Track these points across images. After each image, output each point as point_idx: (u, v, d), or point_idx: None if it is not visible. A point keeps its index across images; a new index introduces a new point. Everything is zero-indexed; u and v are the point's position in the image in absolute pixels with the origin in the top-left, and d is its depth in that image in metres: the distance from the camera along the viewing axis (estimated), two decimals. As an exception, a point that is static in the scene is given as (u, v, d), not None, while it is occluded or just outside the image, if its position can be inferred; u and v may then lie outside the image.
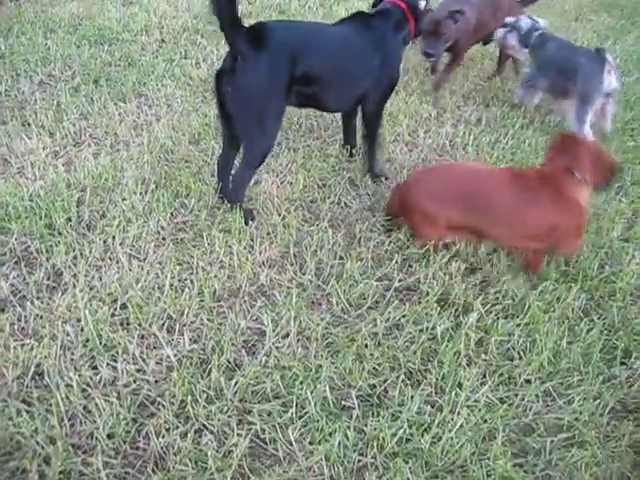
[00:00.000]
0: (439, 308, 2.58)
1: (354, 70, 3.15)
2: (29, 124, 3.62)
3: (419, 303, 2.61)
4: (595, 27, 6.72)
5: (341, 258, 2.80)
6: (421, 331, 2.46)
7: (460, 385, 2.25)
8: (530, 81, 4.33)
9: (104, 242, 2.76)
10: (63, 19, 5.09)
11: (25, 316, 2.38)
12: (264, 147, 2.92)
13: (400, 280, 2.72)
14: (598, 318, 2.68)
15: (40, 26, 4.92)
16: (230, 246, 2.78)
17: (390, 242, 2.92)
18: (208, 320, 2.43)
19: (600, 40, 6.24)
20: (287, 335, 2.39)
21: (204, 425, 2.05)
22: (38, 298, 2.46)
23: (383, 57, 3.16)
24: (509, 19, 4.40)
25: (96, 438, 1.97)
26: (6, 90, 3.98)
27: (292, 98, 2.97)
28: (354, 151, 3.58)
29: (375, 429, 2.06)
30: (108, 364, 2.21)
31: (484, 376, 2.33)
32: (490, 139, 3.92)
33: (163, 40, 4.89)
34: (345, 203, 3.19)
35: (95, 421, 2.00)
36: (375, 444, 2.03)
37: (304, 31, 3.08)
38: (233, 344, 2.34)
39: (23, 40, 4.64)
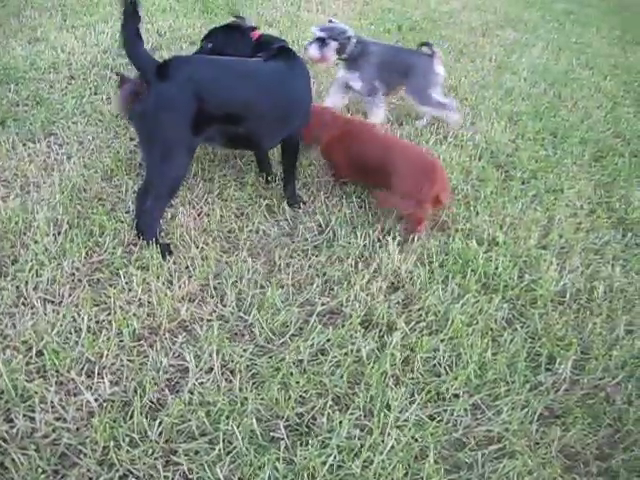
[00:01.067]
0: (363, 329, 2.59)
1: (286, 106, 3.17)
2: None
3: (343, 326, 2.59)
4: (502, 42, 6.95)
5: (262, 287, 2.78)
6: (346, 354, 2.45)
7: (389, 406, 2.25)
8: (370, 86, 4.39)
9: (17, 288, 2.66)
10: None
11: None
12: (170, 179, 2.89)
13: (322, 304, 2.71)
14: (521, 327, 2.73)
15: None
16: (148, 283, 2.71)
17: (310, 266, 2.92)
18: (129, 361, 2.36)
19: (507, 54, 6.44)
20: (210, 369, 2.35)
21: (129, 471, 1.98)
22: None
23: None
24: (318, 29, 4.30)
25: (14, 495, 1.89)
26: None
27: (212, 136, 2.98)
28: (270, 178, 3.57)
29: (305, 458, 2.04)
30: (25, 415, 2.12)
31: (412, 394, 2.33)
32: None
33: (72, 77, 4.79)
34: (264, 231, 3.17)
35: (12, 478, 1.92)
36: (306, 474, 2.00)
37: (218, 66, 3.00)
38: (156, 383, 2.28)
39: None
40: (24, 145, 3.76)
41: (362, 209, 3.38)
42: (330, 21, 4.39)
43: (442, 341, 2.56)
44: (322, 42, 4.23)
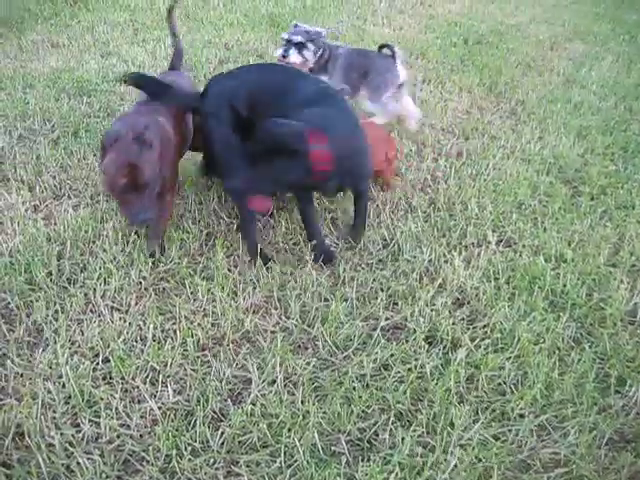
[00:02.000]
0: (427, 345, 2.55)
1: None
2: (8, 179, 3.59)
3: (407, 341, 2.56)
4: (570, 55, 6.82)
5: (326, 300, 2.77)
6: (410, 370, 2.42)
7: (452, 424, 2.20)
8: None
9: (85, 295, 2.73)
10: (42, 73, 5.11)
11: (5, 375, 2.34)
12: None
13: (386, 319, 2.69)
14: (589, 346, 2.64)
15: (19, 81, 4.92)
16: (213, 293, 2.74)
17: (374, 280, 2.90)
18: (192, 370, 2.39)
19: (576, 67, 6.32)
20: (273, 381, 2.34)
21: (190, 479, 2.00)
22: (18, 355, 2.42)
23: None
24: (292, 33, 4.31)
25: (79, 499, 1.91)
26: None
27: None
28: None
29: (366, 474, 2.01)
30: (91, 420, 2.16)
31: (476, 413, 2.28)
32: (471, 171, 3.92)
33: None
34: (328, 243, 3.17)
35: (78, 482, 1.95)
36: (366, 490, 1.98)
37: None
38: (218, 394, 2.29)
39: (2, 96, 4.64)
40: (95, 156, 3.85)
41: (427, 223, 3.35)
42: (296, 25, 4.39)
43: (508, 359, 2.50)
44: (301, 46, 4.26)
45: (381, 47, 4.45)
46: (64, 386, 2.28)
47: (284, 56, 4.28)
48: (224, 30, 6.63)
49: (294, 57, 4.26)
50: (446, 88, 5.40)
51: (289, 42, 4.29)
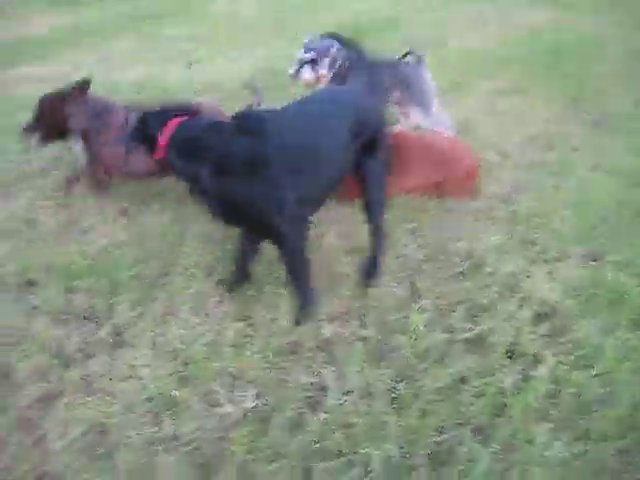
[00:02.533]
0: (507, 359, 2.49)
1: None
2: (97, 184, 3.72)
3: (486, 355, 2.52)
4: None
5: (404, 311, 2.75)
6: (488, 384, 2.37)
7: (531, 441, 2.14)
8: None
9: (167, 298, 2.79)
10: (128, 81, 5.26)
11: (90, 373, 2.42)
12: None
13: (466, 331, 2.65)
14: (679, 368, 2.54)
15: (107, 89, 5.08)
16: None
17: (455, 292, 2.86)
18: (270, 376, 2.41)
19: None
20: (350, 391, 2.34)
21: (266, 485, 2.01)
22: (103, 355, 2.50)
23: None
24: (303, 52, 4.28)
25: (159, 496, 1.95)
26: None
27: None
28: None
29: (443, 489, 1.99)
30: (170, 421, 2.21)
31: (557, 431, 2.22)
32: (556, 184, 3.84)
33: (224, 97, 4.98)
34: (407, 255, 3.15)
35: (158, 478, 2.00)
36: (443, 505, 1.95)
37: None
38: (296, 400, 2.30)
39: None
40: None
41: (509, 235, 3.29)
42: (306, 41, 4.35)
43: (592, 377, 2.43)
44: (313, 63, 4.24)
45: (405, 54, 4.38)
46: (145, 386, 2.33)
47: (297, 73, 4.32)
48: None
49: (307, 74, 4.29)
50: (530, 98, 5.31)
51: (301, 61, 4.30)
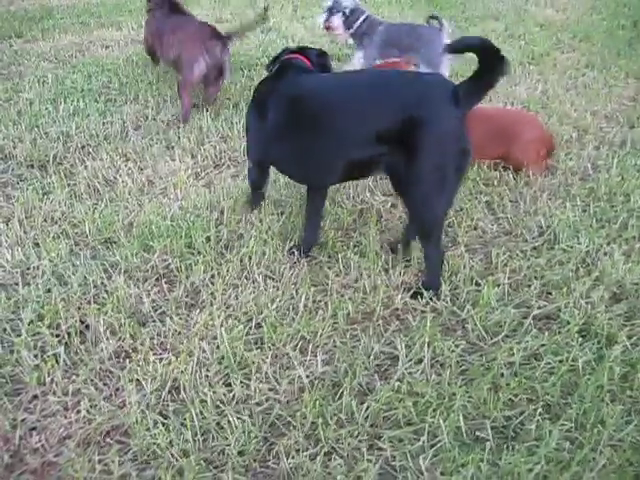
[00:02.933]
0: (580, 339, 2.45)
1: None
2: (173, 147, 3.79)
3: (559, 333, 2.49)
4: None
5: (477, 284, 2.73)
6: (561, 362, 2.34)
7: (603, 422, 2.11)
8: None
9: (241, 262, 2.84)
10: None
11: (164, 331, 2.48)
12: None
13: (539, 308, 2.61)
14: None
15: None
16: (365, 269, 2.77)
17: (529, 267, 2.82)
18: (341, 343, 2.43)
19: None
20: (420, 361, 2.34)
21: (334, 448, 2.03)
22: (177, 314, 2.56)
23: None
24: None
25: (227, 454, 2.00)
26: (152, 115, 4.17)
27: None
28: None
29: (510, 463, 1.97)
30: (242, 382, 2.25)
31: (629, 414, 2.17)
32: (636, 162, 3.73)
33: (301, 65, 4.98)
34: (482, 228, 3.12)
35: (227, 438, 2.04)
36: (510, 479, 1.95)
37: None
38: (366, 368, 2.32)
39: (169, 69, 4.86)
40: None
41: (586, 213, 3.22)
42: None
43: (667, 360, 2.38)
44: (330, 12, 4.60)
45: (430, 18, 4.58)
46: (218, 347, 2.39)
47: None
48: (382, 7, 6.62)
49: (319, 20, 4.77)
50: (611, 73, 5.17)
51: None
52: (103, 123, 4.11)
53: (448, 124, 2.41)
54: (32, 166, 3.62)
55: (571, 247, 2.96)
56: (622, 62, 5.41)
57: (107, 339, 2.43)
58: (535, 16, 6.58)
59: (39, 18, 6.46)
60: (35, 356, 2.35)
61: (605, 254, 2.93)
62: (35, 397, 2.21)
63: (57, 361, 2.33)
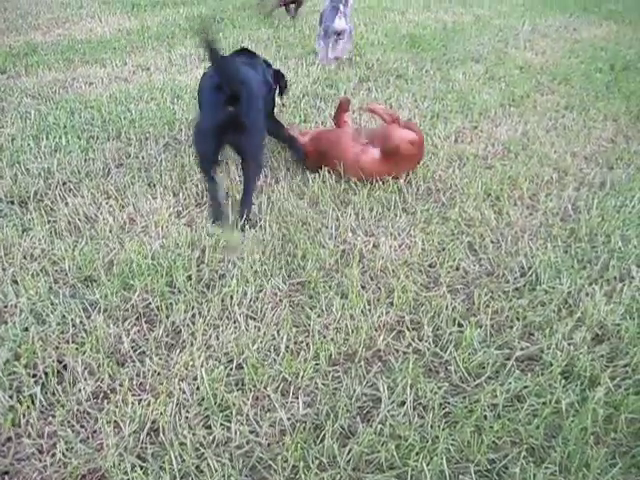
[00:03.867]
0: (563, 380, 2.44)
1: None
2: (154, 185, 3.77)
3: (542, 374, 2.48)
4: None
5: (460, 325, 2.72)
6: (544, 404, 2.33)
7: (587, 465, 2.09)
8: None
9: (222, 301, 2.81)
10: (189, 85, 5.34)
11: (144, 372, 2.44)
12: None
13: (521, 349, 2.60)
14: None
15: (168, 92, 5.17)
16: (347, 309, 2.75)
17: (511, 308, 2.82)
18: (323, 384, 2.40)
19: None
20: (403, 403, 2.32)
21: (316, 493, 2.00)
22: (157, 355, 2.52)
23: None
24: None
25: (208, 500, 1.95)
26: (134, 153, 4.17)
27: None
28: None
29: (495, 508, 1.96)
30: (222, 424, 2.21)
31: (614, 457, 2.15)
32: (615, 203, 3.76)
33: (284, 104, 5.01)
34: (464, 268, 3.11)
35: (207, 483, 1.99)
36: (495, 524, 1.92)
37: None
38: (348, 410, 2.29)
39: (152, 106, 4.88)
40: (236, 167, 3.96)
41: (567, 254, 3.23)
42: None
43: (650, 403, 2.38)
44: None
45: None
46: (198, 388, 2.35)
47: None
48: (365, 49, 6.70)
49: None
50: (590, 115, 5.23)
51: None
52: (85, 160, 4.09)
53: None
54: (12, 202, 3.58)
55: (553, 288, 2.96)
56: (600, 104, 5.49)
57: (85, 379, 2.38)
58: (515, 59, 6.67)
59: (23, 54, 6.47)
60: (10, 397, 2.30)
61: (587, 295, 2.93)
62: (9, 439, 2.16)
63: (33, 402, 2.28)
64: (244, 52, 4.04)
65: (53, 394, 2.33)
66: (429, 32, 7.54)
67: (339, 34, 5.97)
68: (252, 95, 3.27)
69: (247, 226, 3.33)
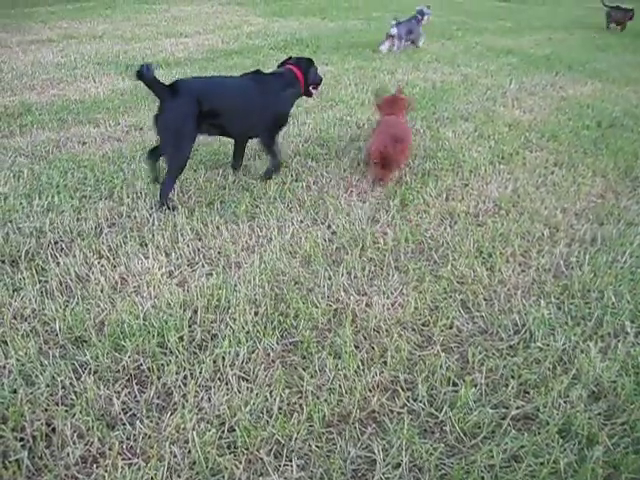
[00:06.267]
0: (561, 439, 2.41)
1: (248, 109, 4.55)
2: (146, 244, 3.76)
3: (539, 433, 2.44)
4: None
5: (454, 384, 2.69)
6: (542, 464, 2.29)
7: (589, 526, 2.06)
8: None
9: (214, 362, 2.77)
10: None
11: (134, 435, 2.39)
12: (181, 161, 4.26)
13: (517, 408, 2.57)
14: None
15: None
16: (340, 369, 2.73)
17: (505, 366, 2.80)
18: (317, 447, 2.36)
19: None
20: (398, 465, 2.28)
21: None
22: (148, 417, 2.48)
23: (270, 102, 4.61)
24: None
25: None
26: (127, 212, 4.17)
27: (203, 129, 4.37)
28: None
29: None
30: (215, 489, 2.17)
31: (615, 517, 2.13)
32: (607, 259, 3.78)
33: (276, 164, 5.05)
34: (457, 327, 3.10)
35: None
36: None
37: (209, 83, 4.59)
38: (342, 473, 2.25)
39: (145, 165, 4.89)
40: (228, 226, 3.97)
41: (561, 310, 3.23)
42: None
43: (649, 462, 2.34)
44: None
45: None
46: (190, 452, 2.30)
47: None
48: (355, 109, 6.78)
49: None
50: (579, 171, 5.28)
51: None
52: (77, 219, 4.08)
53: None
54: (3, 262, 3.56)
55: (547, 345, 2.95)
56: (589, 160, 5.54)
57: (74, 443, 2.34)
58: (503, 117, 6.76)
59: (18, 114, 6.51)
60: (-4, 462, 2.25)
61: (582, 352, 2.91)
62: (-5, 507, 2.12)
63: (20, 467, 2.23)
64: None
65: (40, 458, 2.28)
66: (418, 91, 7.64)
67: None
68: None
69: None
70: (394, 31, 10.29)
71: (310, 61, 4.98)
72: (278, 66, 4.99)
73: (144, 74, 3.89)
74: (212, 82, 4.64)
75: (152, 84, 4.04)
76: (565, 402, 2.60)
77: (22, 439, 2.35)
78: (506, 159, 5.49)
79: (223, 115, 4.38)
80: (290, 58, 5.04)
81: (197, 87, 4.31)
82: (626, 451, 2.37)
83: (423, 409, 2.56)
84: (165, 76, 7.99)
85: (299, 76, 4.84)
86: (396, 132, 4.74)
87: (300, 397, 2.60)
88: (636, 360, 2.86)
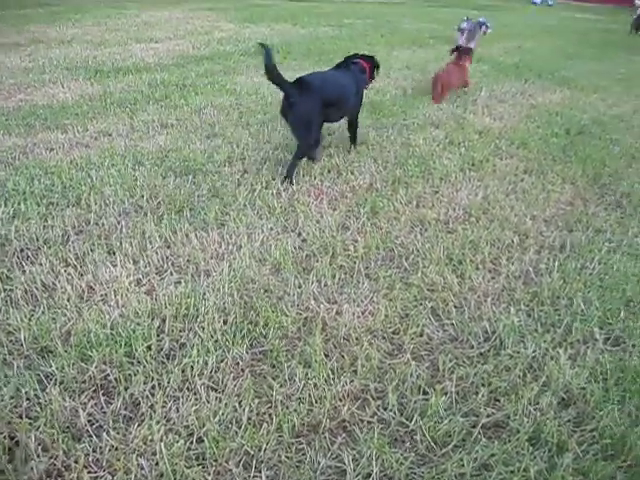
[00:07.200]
0: (531, 447, 2.42)
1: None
2: (114, 252, 3.70)
3: (509, 441, 2.44)
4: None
5: (425, 392, 2.68)
6: (512, 472, 2.29)
7: (558, 535, 2.06)
8: None
9: (182, 372, 2.74)
10: (151, 152, 5.32)
11: (100, 447, 2.35)
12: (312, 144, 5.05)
13: (487, 416, 2.57)
14: None
15: (129, 159, 5.14)
16: (310, 379, 2.70)
17: (476, 374, 2.79)
18: (286, 457, 2.33)
19: None
20: (369, 475, 2.26)
21: None
22: (114, 429, 2.43)
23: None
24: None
25: None
26: (94, 219, 4.11)
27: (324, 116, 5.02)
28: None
29: None
30: (183, 502, 2.13)
31: (584, 525, 2.13)
32: (576, 265, 3.80)
33: (246, 171, 5.02)
34: (428, 334, 3.09)
35: None
36: None
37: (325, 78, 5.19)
38: (312, 484, 2.23)
39: (113, 172, 4.84)
40: (197, 234, 3.93)
41: (530, 317, 3.24)
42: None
43: (619, 468, 2.35)
44: None
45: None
46: (157, 464, 2.27)
47: None
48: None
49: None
50: (548, 179, 5.31)
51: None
52: (44, 227, 4.02)
53: None
54: (-33, 271, 3.50)
55: (517, 352, 2.95)
56: (558, 168, 5.59)
57: (38, 456, 2.29)
58: (474, 124, 6.79)
59: (-17, 121, 6.43)
60: (-44, 477, 2.20)
61: (551, 359, 2.92)
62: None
63: (-19, 482, 2.18)
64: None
65: (2, 472, 2.23)
66: (389, 98, 7.66)
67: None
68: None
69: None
70: (465, 24, 11.46)
71: (373, 58, 5.88)
72: (345, 59, 5.69)
73: (271, 71, 4.54)
74: (326, 77, 5.30)
75: (280, 82, 4.67)
76: (535, 409, 2.60)
77: (-17, 453, 2.30)
78: (476, 166, 5.52)
79: (337, 102, 5.13)
80: (356, 55, 5.80)
81: (319, 83, 4.92)
82: (595, 458, 2.38)
83: (393, 418, 2.54)
84: (134, 82, 7.95)
85: (367, 68, 5.71)
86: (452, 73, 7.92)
87: (269, 407, 2.57)
88: (605, 367, 2.87)
